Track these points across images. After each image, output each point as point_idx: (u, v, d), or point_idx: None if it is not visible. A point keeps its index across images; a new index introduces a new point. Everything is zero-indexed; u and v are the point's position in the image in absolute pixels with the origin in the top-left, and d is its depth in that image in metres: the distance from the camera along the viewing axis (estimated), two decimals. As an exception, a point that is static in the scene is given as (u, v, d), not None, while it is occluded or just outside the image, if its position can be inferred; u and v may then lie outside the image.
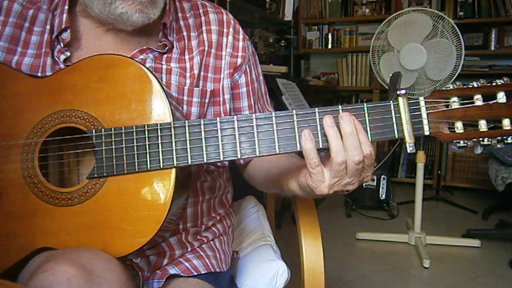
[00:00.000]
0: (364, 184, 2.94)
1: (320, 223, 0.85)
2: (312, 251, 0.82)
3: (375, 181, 2.94)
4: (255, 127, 0.61)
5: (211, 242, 0.84)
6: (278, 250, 1.00)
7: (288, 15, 3.26)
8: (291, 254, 1.04)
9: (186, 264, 0.75)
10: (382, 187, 2.93)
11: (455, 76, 2.17)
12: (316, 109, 0.60)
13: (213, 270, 0.78)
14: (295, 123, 0.60)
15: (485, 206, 2.99)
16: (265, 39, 3.24)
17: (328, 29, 4.04)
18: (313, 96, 3.38)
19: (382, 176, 2.93)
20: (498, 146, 0.59)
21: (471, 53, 3.32)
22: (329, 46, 4.04)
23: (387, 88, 2.34)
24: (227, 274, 0.83)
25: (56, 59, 0.73)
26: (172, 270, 0.73)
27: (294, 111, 0.61)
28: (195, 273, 0.75)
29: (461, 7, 3.47)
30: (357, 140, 0.57)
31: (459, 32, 2.16)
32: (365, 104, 0.60)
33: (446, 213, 3.03)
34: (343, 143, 0.57)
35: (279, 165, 0.75)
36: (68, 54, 0.74)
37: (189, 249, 0.79)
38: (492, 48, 3.49)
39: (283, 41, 3.38)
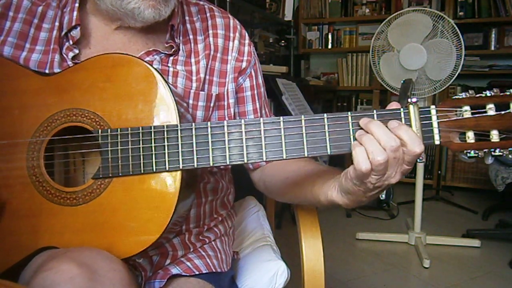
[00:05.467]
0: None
1: (320, 223, 0.85)
2: (312, 251, 0.82)
3: (375, 181, 2.93)
4: (262, 131, 0.61)
5: (213, 242, 0.84)
6: (278, 250, 1.00)
7: (288, 15, 3.26)
8: (291, 254, 1.03)
9: (188, 263, 0.75)
10: (382, 187, 2.93)
11: (455, 76, 2.17)
12: (325, 115, 0.60)
13: (214, 270, 0.78)
14: (303, 128, 0.60)
15: (485, 206, 2.99)
16: (265, 39, 3.23)
17: (328, 29, 4.04)
18: (313, 96, 3.38)
19: (382, 176, 2.93)
20: (510, 156, 0.58)
21: (471, 53, 3.32)
22: (329, 46, 4.05)
23: (387, 88, 2.34)
24: (228, 275, 0.83)
25: (64, 56, 0.74)
26: (174, 270, 0.73)
27: (302, 117, 0.60)
28: (197, 272, 0.75)
29: (461, 7, 3.47)
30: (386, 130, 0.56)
31: (459, 32, 2.16)
32: (375, 111, 0.59)
33: (446, 213, 3.03)
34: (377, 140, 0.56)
35: (307, 171, 0.74)
36: (77, 51, 0.74)
37: (191, 250, 0.79)
38: (492, 48, 3.49)
39: (283, 41, 3.38)
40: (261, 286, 0.87)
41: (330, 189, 0.65)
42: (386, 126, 0.57)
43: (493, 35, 3.47)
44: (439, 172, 3.53)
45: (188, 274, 0.74)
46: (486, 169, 2.57)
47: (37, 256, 0.63)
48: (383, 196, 2.93)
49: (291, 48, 3.44)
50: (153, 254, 0.74)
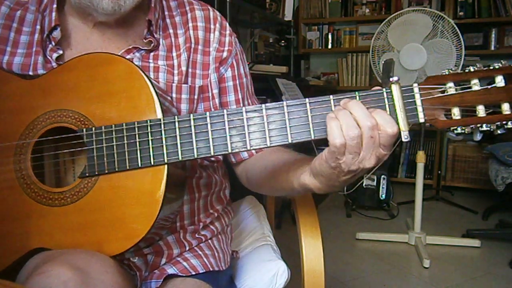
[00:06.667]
0: (364, 184, 2.94)
1: (320, 223, 0.85)
2: (312, 251, 0.82)
3: (375, 181, 2.94)
4: (245, 120, 0.60)
5: (209, 241, 0.84)
6: (278, 250, 1.00)
7: (288, 15, 3.26)
8: (291, 254, 1.03)
9: (184, 263, 0.75)
10: (382, 187, 2.93)
11: (455, 76, 2.17)
12: (307, 100, 0.59)
13: (211, 269, 0.77)
14: (286, 114, 0.59)
15: (485, 206, 2.99)
16: (265, 39, 3.24)
17: (328, 29, 4.04)
18: (313, 96, 3.37)
19: (382, 176, 2.93)
20: (498, 131, 0.57)
21: (471, 53, 3.31)
22: (329, 46, 4.05)
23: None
24: (226, 274, 0.83)
25: (49, 57, 0.74)
26: (170, 270, 0.73)
27: (284, 103, 0.60)
28: (193, 273, 0.74)
29: (461, 7, 3.47)
30: (364, 109, 0.55)
31: (459, 32, 2.16)
32: (357, 93, 0.59)
33: (446, 213, 3.03)
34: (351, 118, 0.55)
35: (284, 159, 0.74)
36: (61, 52, 0.74)
37: (187, 248, 0.79)
38: (492, 48, 3.49)
39: (283, 41, 3.38)
40: (261, 286, 0.86)
41: (303, 174, 0.65)
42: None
43: (493, 35, 3.47)
44: (439, 172, 3.52)
45: (184, 275, 0.74)
46: (486, 169, 2.57)
47: (31, 258, 0.63)
48: (383, 196, 2.93)
49: (291, 48, 3.43)
50: (148, 253, 0.73)
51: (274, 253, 0.96)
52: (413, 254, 2.29)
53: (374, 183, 2.94)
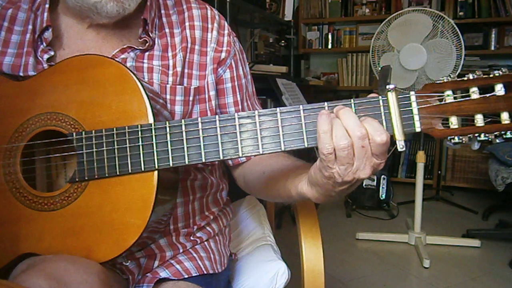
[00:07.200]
0: (364, 184, 2.94)
1: (320, 223, 0.85)
2: (312, 251, 0.82)
3: (375, 181, 2.94)
4: (237, 126, 0.59)
5: (205, 242, 0.82)
6: (278, 250, 1.00)
7: (288, 15, 3.26)
8: (291, 254, 1.03)
9: (177, 266, 0.74)
10: (382, 187, 2.93)
11: (455, 76, 2.17)
12: (301, 107, 0.58)
13: (205, 272, 0.76)
14: (279, 121, 0.58)
15: (485, 206, 2.99)
16: (265, 39, 3.24)
17: (328, 29, 4.04)
18: (313, 96, 3.38)
19: (382, 176, 2.93)
20: (497, 141, 0.56)
21: (471, 53, 3.32)
22: (329, 46, 4.05)
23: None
24: (222, 276, 0.82)
25: (40, 58, 0.72)
26: (163, 273, 0.72)
27: (278, 109, 0.59)
28: (186, 276, 0.73)
29: (461, 7, 3.47)
30: (354, 118, 0.54)
31: (459, 32, 2.16)
32: (352, 100, 0.57)
33: (446, 213, 3.03)
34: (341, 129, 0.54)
35: (283, 166, 0.73)
36: (52, 53, 0.72)
37: (181, 250, 0.77)
38: (492, 48, 3.49)
39: (283, 41, 3.38)
40: (262, 286, 0.86)
41: (301, 182, 0.64)
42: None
43: (493, 35, 3.47)
44: (439, 172, 3.53)
45: (176, 278, 0.72)
46: (486, 169, 2.57)
47: (19, 264, 0.62)
48: (383, 196, 2.93)
49: (291, 48, 3.43)
50: (140, 256, 0.72)
51: (275, 253, 0.96)
52: (413, 254, 2.29)
53: (374, 183, 2.94)
